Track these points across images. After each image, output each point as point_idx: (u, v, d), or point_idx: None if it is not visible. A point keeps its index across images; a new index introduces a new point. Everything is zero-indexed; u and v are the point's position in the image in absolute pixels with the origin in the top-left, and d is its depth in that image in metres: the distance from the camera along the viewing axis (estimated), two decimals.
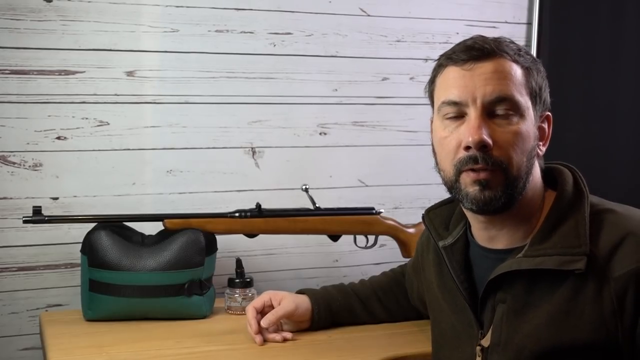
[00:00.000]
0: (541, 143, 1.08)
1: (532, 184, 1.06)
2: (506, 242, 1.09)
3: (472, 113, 1.02)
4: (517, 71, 1.04)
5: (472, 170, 1.02)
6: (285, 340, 1.38)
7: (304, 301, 1.42)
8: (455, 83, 1.04)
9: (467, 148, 1.02)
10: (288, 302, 1.40)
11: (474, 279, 1.13)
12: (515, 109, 1.02)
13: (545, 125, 1.09)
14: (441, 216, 1.20)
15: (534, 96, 1.05)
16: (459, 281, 1.12)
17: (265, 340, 1.37)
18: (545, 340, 1.01)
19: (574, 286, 0.99)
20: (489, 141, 1.01)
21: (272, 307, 1.40)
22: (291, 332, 1.41)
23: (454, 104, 1.04)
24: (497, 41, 1.05)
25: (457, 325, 1.15)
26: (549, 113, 1.09)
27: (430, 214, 1.21)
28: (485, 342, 1.08)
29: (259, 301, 1.41)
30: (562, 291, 1.00)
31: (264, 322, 1.37)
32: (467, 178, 1.03)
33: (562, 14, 2.02)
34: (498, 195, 1.02)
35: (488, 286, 1.07)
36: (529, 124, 1.04)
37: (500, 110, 1.02)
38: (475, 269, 1.13)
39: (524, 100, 1.03)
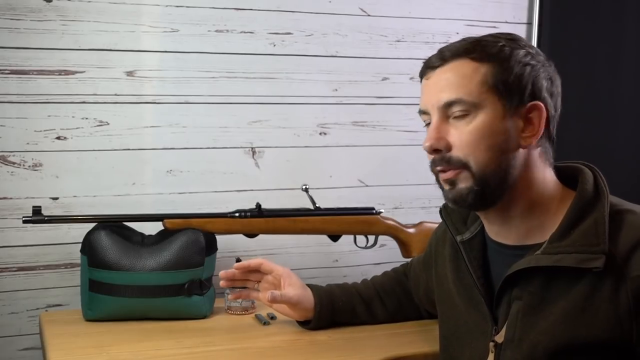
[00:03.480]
0: (526, 135, 1.06)
1: (526, 177, 1.06)
2: (515, 237, 1.09)
3: (432, 120, 1.08)
4: (475, 70, 1.04)
5: (441, 171, 1.08)
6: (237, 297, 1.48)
7: (308, 299, 1.43)
8: (422, 93, 1.11)
9: (431, 152, 1.08)
10: (293, 294, 1.42)
11: (491, 274, 1.13)
12: (469, 108, 1.04)
13: (534, 115, 1.06)
14: (459, 211, 1.20)
15: (503, 89, 1.04)
16: (476, 276, 1.13)
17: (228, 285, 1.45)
18: (559, 337, 1.01)
19: (591, 284, 1.00)
20: (438, 146, 1.06)
21: (278, 281, 1.44)
22: (284, 315, 1.45)
23: (423, 113, 1.10)
24: (461, 43, 1.07)
25: (470, 321, 1.15)
26: (538, 102, 1.05)
27: (448, 208, 1.22)
28: (499, 338, 1.08)
29: (271, 267, 1.45)
30: (579, 289, 1.00)
31: (269, 295, 1.40)
32: (439, 178, 1.10)
33: (562, 14, 2.02)
34: (465, 192, 1.06)
35: (505, 282, 1.07)
36: (492, 119, 1.04)
37: (455, 113, 1.06)
38: (492, 265, 1.14)
39: (482, 98, 1.04)
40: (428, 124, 1.10)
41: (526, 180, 1.06)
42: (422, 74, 1.11)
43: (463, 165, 1.05)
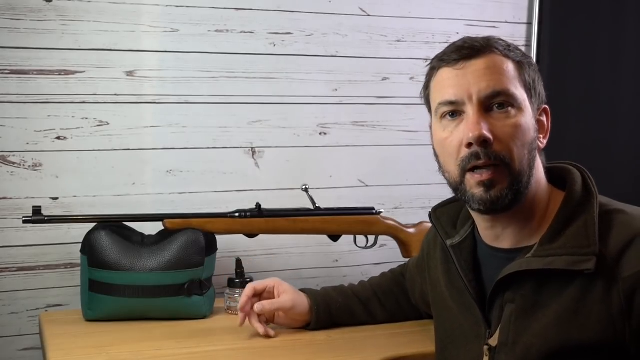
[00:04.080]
0: (541, 136, 1.08)
1: (536, 179, 1.06)
2: (511, 241, 1.09)
3: (470, 110, 1.03)
4: (509, 65, 1.05)
5: (477, 168, 1.02)
6: (267, 336, 1.38)
7: (303, 302, 1.42)
8: (449, 83, 1.05)
9: (469, 145, 1.02)
10: (287, 299, 1.40)
11: (482, 278, 1.13)
12: (512, 102, 1.03)
13: (544, 118, 1.09)
14: (448, 214, 1.19)
15: (529, 89, 1.06)
16: (467, 280, 1.12)
17: (247, 321, 1.38)
18: (553, 340, 1.01)
19: (583, 286, 1.00)
20: (489, 136, 1.01)
21: (272, 294, 1.41)
22: (285, 326, 1.42)
23: (451, 103, 1.05)
24: (486, 39, 1.07)
25: (464, 324, 1.15)
26: (546, 106, 1.10)
27: (437, 212, 1.21)
28: (493, 341, 1.08)
29: (261, 284, 1.42)
30: (571, 291, 1.00)
31: (257, 307, 1.38)
32: (471, 180, 1.03)
33: (562, 14, 2.02)
34: (504, 194, 1.02)
35: (497, 286, 1.07)
36: (527, 117, 1.04)
37: (497, 105, 1.03)
38: (484, 268, 1.13)
39: (520, 93, 1.04)
40: (449, 114, 1.05)
41: (534, 182, 1.06)
42: (448, 64, 1.05)
43: (503, 162, 1.01)
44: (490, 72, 1.03)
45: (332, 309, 1.44)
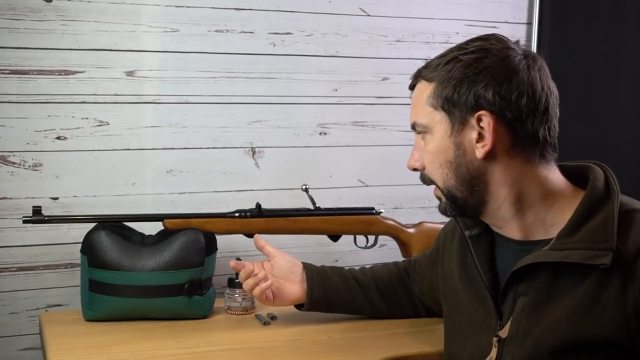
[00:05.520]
0: (480, 145, 1.06)
1: (510, 183, 1.07)
2: (519, 234, 1.10)
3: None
4: (427, 91, 1.10)
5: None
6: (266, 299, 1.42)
7: (293, 259, 1.46)
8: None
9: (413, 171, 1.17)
10: (275, 249, 1.47)
11: (497, 270, 1.14)
12: (425, 130, 1.11)
13: (484, 125, 1.05)
14: None
15: (446, 106, 1.07)
16: (483, 271, 1.13)
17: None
18: (564, 334, 1.01)
19: (598, 282, 1.00)
20: (416, 165, 1.15)
21: (260, 266, 1.45)
22: (282, 301, 1.44)
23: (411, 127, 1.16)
24: (427, 63, 1.12)
25: (475, 316, 1.16)
26: (482, 112, 1.04)
27: None
28: (503, 333, 1.08)
29: (250, 263, 1.44)
30: (585, 286, 1.01)
31: (255, 236, 1.47)
32: None
33: (562, 14, 2.02)
34: (444, 207, 1.13)
35: (511, 277, 1.08)
36: (441, 137, 1.09)
37: (420, 134, 1.13)
38: (499, 260, 1.15)
39: (431, 118, 1.09)
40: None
41: (512, 185, 1.07)
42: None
43: (434, 183, 1.13)
44: (414, 103, 1.13)
45: (328, 289, 1.44)
